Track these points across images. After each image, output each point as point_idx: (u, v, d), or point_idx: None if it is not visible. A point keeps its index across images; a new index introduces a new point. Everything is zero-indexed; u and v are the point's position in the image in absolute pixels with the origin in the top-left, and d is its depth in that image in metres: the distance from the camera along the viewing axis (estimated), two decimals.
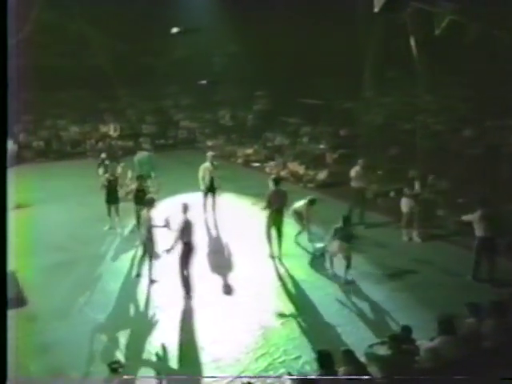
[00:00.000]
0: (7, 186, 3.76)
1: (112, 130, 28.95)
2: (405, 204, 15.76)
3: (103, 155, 20.55)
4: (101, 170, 18.35)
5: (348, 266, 13.15)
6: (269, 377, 9.35)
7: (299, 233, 15.71)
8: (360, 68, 24.97)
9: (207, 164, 17.31)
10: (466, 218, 13.45)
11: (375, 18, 21.33)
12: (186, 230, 12.14)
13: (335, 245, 13.21)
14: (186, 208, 12.33)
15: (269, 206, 14.67)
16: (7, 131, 3.56)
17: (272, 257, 14.58)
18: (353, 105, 26.25)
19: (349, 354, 7.93)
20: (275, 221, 14.69)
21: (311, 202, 15.58)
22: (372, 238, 15.85)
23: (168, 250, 12.21)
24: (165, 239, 12.85)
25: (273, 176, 16.15)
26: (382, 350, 8.30)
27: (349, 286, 12.82)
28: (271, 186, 15.86)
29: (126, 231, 16.54)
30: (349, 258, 13.14)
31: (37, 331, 11.09)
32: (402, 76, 22.75)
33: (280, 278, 13.58)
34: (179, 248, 12.20)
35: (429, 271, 13.73)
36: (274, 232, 14.76)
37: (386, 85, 24.34)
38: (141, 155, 19.89)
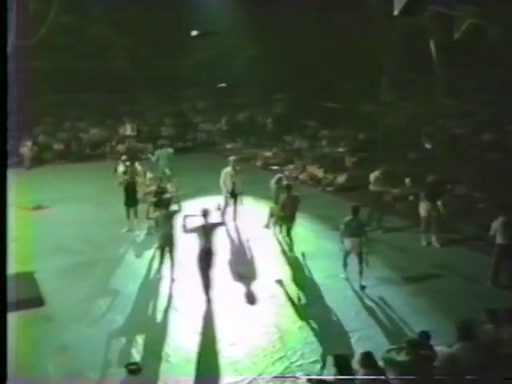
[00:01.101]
0: (7, 186, 3.78)
1: (129, 129, 29.02)
2: (423, 208, 15.68)
3: (124, 157, 20.68)
4: (120, 168, 18.25)
5: (361, 263, 13.02)
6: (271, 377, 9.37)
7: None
8: (379, 71, 24.89)
9: (229, 169, 17.27)
10: (493, 225, 13.22)
11: (394, 21, 21.27)
12: (206, 235, 12.11)
13: (348, 242, 13.10)
14: (206, 213, 12.29)
15: (283, 211, 14.88)
16: (7, 131, 3.57)
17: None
18: (372, 108, 26.19)
19: (368, 357, 7.88)
20: (287, 223, 15.09)
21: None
22: (391, 242, 15.78)
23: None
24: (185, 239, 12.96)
25: (285, 182, 16.15)
26: (400, 356, 8.26)
27: (368, 290, 12.77)
28: (273, 184, 16.06)
29: (144, 233, 16.57)
30: (361, 255, 13.01)
31: (55, 332, 11.15)
32: (421, 80, 22.67)
33: (295, 281, 13.56)
34: (200, 252, 12.17)
35: (447, 276, 13.65)
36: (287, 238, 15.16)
37: (405, 88, 24.26)
38: (161, 151, 20.73)
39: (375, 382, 7.49)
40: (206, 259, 12.19)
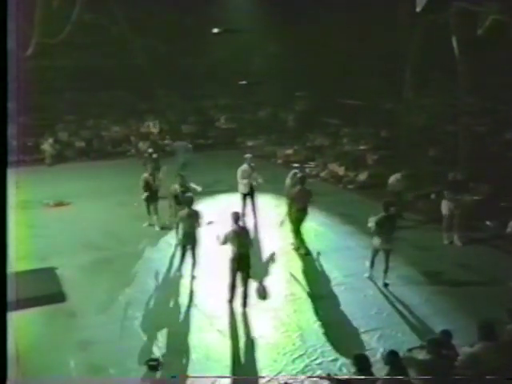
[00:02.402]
0: (7, 186, 3.77)
1: (151, 127, 29.08)
2: (445, 207, 15.56)
3: (150, 150, 20.91)
4: (149, 167, 18.16)
5: (387, 261, 12.94)
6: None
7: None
8: (401, 69, 24.75)
9: (245, 166, 17.25)
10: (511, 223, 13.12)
11: (417, 17, 21.15)
12: (235, 240, 11.75)
13: (378, 239, 12.93)
14: (237, 217, 12.01)
15: (293, 205, 14.70)
16: (7, 132, 3.56)
17: (300, 254, 14.67)
18: (394, 106, 26.05)
19: (393, 356, 7.81)
20: (299, 220, 14.72)
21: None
22: (412, 240, 15.66)
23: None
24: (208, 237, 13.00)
25: (299, 174, 15.89)
26: (421, 355, 8.20)
27: (389, 289, 12.70)
28: (288, 182, 15.91)
29: (165, 229, 16.60)
30: (389, 253, 12.93)
31: (76, 327, 11.26)
32: (443, 77, 22.50)
33: (315, 279, 13.52)
34: (232, 254, 11.84)
35: (469, 275, 13.54)
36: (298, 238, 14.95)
37: (427, 86, 24.09)
38: (178, 144, 22.10)
39: (396, 381, 7.43)
40: (239, 264, 11.83)
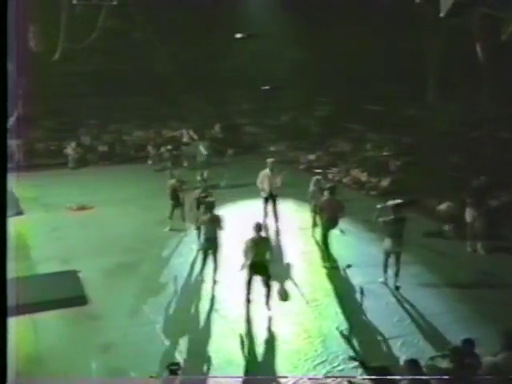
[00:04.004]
0: (7, 189, 3.80)
1: (186, 136, 28.86)
2: (469, 214, 15.43)
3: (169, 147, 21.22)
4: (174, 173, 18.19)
5: (398, 263, 12.94)
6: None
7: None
8: (425, 74, 24.65)
9: (266, 170, 17.21)
10: None
11: (441, 22, 21.07)
12: (253, 249, 11.73)
13: (388, 242, 12.96)
14: (259, 227, 12.02)
15: (321, 215, 14.62)
16: (7, 132, 3.58)
17: (325, 267, 14.47)
18: (417, 111, 25.93)
19: (413, 365, 7.75)
20: (329, 230, 14.61)
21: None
22: (435, 248, 15.57)
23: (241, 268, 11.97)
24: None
25: (328, 184, 15.85)
26: (444, 363, 8.14)
27: (411, 296, 12.61)
28: (311, 188, 15.86)
29: (187, 234, 16.63)
30: (400, 255, 12.92)
31: (98, 330, 11.33)
32: (467, 83, 22.34)
33: (338, 285, 13.47)
34: (249, 262, 11.78)
35: (493, 284, 13.42)
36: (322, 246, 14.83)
37: (450, 91, 23.93)
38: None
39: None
40: (255, 271, 11.83)
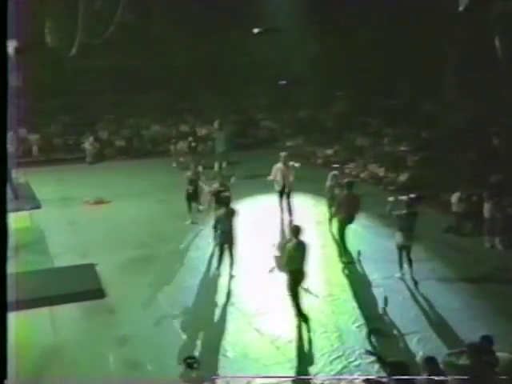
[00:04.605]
0: (7, 185, 3.81)
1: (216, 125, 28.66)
2: (487, 209, 15.32)
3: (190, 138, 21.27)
4: (192, 166, 18.20)
5: (409, 255, 12.92)
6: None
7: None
8: (443, 69, 24.48)
9: (280, 164, 17.16)
10: None
11: (459, 17, 20.89)
12: (293, 254, 11.04)
13: (401, 235, 12.93)
14: (297, 231, 11.25)
15: (339, 210, 14.56)
16: (7, 131, 3.60)
17: (347, 263, 14.43)
18: (435, 106, 25.78)
19: (431, 362, 7.71)
20: (346, 225, 14.50)
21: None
22: (452, 243, 15.48)
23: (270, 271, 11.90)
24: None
25: (346, 180, 15.75)
26: (461, 360, 8.09)
27: (428, 291, 12.55)
28: (328, 183, 16.00)
29: (205, 228, 16.63)
30: (411, 249, 12.93)
31: (115, 323, 11.42)
32: (485, 78, 22.16)
33: (354, 281, 13.43)
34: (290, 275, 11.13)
35: (511, 280, 13.32)
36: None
37: (469, 86, 23.75)
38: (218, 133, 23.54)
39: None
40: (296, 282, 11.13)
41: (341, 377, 9.25)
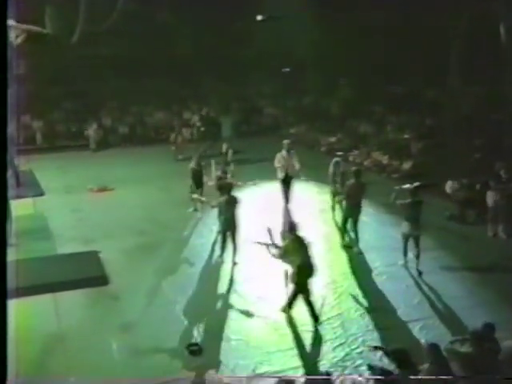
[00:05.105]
0: (7, 176, 3.82)
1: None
2: (490, 197, 15.28)
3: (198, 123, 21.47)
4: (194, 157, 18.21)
5: (417, 246, 12.86)
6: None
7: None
8: (447, 56, 24.38)
9: (283, 152, 17.12)
10: None
11: (464, 4, 20.81)
12: (296, 251, 10.77)
13: (407, 225, 12.86)
14: (293, 227, 11.20)
15: (347, 199, 14.52)
16: (7, 127, 3.59)
17: (345, 246, 14.42)
18: (439, 93, 25.70)
19: (434, 349, 7.70)
20: (352, 214, 14.42)
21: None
22: (455, 231, 15.47)
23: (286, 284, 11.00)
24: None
25: (353, 168, 15.65)
26: (464, 347, 8.09)
27: (431, 279, 12.55)
28: (331, 170, 16.04)
29: (208, 215, 16.63)
30: (419, 238, 12.84)
31: (119, 311, 11.44)
32: (489, 64, 22.06)
33: (357, 267, 13.42)
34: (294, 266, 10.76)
35: None
36: (350, 225, 14.57)
37: (473, 73, 23.64)
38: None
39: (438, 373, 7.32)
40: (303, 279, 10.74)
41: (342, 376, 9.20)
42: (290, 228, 11.30)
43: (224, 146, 21.08)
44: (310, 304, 10.78)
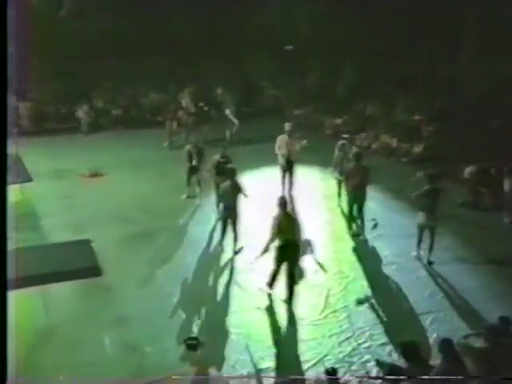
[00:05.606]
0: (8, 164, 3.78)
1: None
2: (508, 183, 15.20)
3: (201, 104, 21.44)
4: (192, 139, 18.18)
5: (432, 238, 12.81)
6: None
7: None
8: (458, 32, 24.23)
9: (284, 136, 16.89)
10: None
11: None
12: (283, 226, 11.05)
13: (423, 215, 12.76)
14: (283, 202, 11.33)
15: (348, 183, 14.46)
16: (7, 123, 3.55)
17: (353, 235, 14.41)
18: (451, 73, 25.56)
19: (447, 344, 7.66)
20: (356, 199, 14.41)
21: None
22: (469, 218, 15.41)
23: (263, 253, 11.29)
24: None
25: (354, 150, 15.54)
26: (478, 343, 8.06)
27: (444, 270, 12.51)
28: (336, 153, 15.84)
29: (205, 202, 16.60)
30: (434, 230, 12.78)
31: (112, 303, 11.42)
32: (503, 40, 21.92)
33: (365, 258, 13.39)
34: (279, 241, 11.12)
35: None
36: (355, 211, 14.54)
37: (487, 51, 23.49)
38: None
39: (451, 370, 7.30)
40: (285, 253, 11.14)
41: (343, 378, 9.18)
42: (281, 204, 11.31)
43: (227, 132, 21.03)
44: (291, 278, 11.14)
